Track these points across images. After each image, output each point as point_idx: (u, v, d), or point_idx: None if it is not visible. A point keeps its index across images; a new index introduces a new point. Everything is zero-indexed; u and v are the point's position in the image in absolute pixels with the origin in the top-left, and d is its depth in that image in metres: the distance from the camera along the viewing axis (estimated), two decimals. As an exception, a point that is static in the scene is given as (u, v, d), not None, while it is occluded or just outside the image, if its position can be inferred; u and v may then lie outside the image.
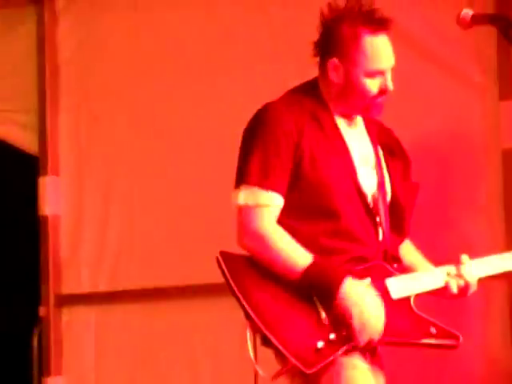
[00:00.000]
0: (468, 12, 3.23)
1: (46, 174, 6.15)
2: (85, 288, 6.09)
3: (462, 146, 5.30)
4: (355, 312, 3.23)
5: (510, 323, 5.13)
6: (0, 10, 6.39)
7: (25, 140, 6.32)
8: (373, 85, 3.36)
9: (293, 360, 3.11)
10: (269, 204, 3.33)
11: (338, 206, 3.36)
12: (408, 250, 3.69)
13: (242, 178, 3.33)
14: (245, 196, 3.35)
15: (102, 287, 6.04)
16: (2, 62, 6.44)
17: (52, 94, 6.22)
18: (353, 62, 3.36)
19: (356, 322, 3.22)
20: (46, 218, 6.09)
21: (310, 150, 3.35)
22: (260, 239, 3.30)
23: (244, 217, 3.35)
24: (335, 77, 3.36)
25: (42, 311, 5.97)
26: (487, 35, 4.60)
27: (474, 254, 3.50)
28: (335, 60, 3.33)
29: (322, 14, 3.41)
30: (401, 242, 3.62)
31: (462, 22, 3.23)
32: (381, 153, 3.60)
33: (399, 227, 3.57)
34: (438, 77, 5.37)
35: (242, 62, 5.56)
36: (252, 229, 3.32)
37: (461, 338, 3.38)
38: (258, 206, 3.34)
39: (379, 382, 3.43)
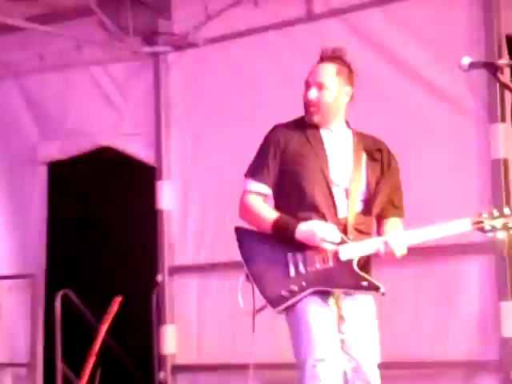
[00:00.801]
0: (467, 60, 3.50)
1: (161, 179, 6.94)
2: (189, 261, 6.88)
3: (459, 157, 5.63)
4: (311, 234, 3.90)
5: (497, 289, 5.33)
6: (129, 63, 7.11)
7: (146, 155, 7.08)
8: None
9: (265, 301, 3.92)
10: (256, 191, 4.11)
11: (309, 190, 3.99)
12: (391, 226, 4.13)
13: (246, 174, 4.18)
14: (245, 185, 4.15)
15: (202, 260, 6.76)
16: (129, 99, 7.08)
17: (165, 122, 6.98)
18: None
19: (317, 241, 3.89)
20: (161, 210, 6.95)
21: (292, 153, 4.09)
22: (248, 211, 4.11)
23: (242, 197, 4.18)
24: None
25: (159, 278, 6.84)
26: (479, 73, 4.22)
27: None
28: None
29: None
30: (371, 220, 4.15)
31: (462, 68, 3.51)
32: (364, 157, 4.15)
33: (368, 209, 4.11)
34: (441, 104, 5.71)
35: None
36: (244, 205, 4.14)
37: (382, 288, 3.89)
38: (249, 191, 4.13)
39: (351, 321, 3.97)
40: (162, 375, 6.72)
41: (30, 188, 7.52)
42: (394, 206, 4.25)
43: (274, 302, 3.94)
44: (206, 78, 6.82)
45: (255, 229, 4.13)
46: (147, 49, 6.95)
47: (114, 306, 6.24)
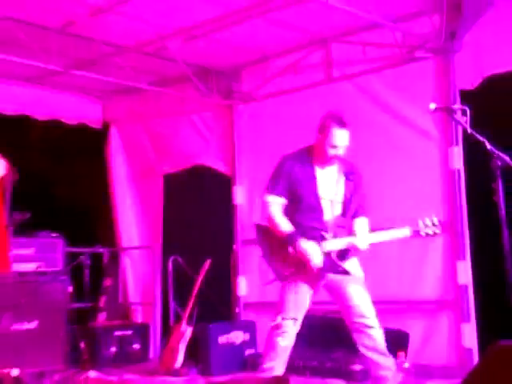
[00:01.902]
0: (433, 105, 3.57)
1: (235, 184, 6.86)
2: (253, 236, 6.00)
3: (428, 169, 5.40)
4: (304, 253, 3.88)
5: (455, 253, 5.19)
6: (213, 111, 6.97)
7: (225, 169, 6.95)
8: (332, 151, 3.96)
9: (274, 275, 4.03)
10: (274, 201, 4.02)
11: (305, 203, 4.01)
12: (359, 225, 4.10)
13: (266, 189, 4.07)
14: (265, 197, 4.06)
15: None
16: (214, 134, 7.02)
17: (237, 149, 6.85)
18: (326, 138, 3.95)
19: (306, 258, 3.88)
20: (236, 205, 6.86)
21: (295, 178, 4.02)
22: (270, 218, 4.02)
23: (264, 207, 4.06)
24: (318, 142, 4.02)
25: (235, 247, 6.82)
26: (442, 114, 4.68)
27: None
28: (319, 136, 4.00)
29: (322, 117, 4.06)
30: (347, 221, 4.09)
31: (430, 110, 3.56)
32: (343, 179, 4.09)
33: (344, 214, 4.07)
34: (417, 135, 5.48)
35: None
36: (267, 213, 4.03)
37: (352, 273, 3.98)
38: (269, 202, 4.03)
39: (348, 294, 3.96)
40: (237, 310, 6.73)
41: (152, 191, 7.56)
42: (361, 210, 4.16)
43: (281, 277, 4.00)
44: (263, 121, 6.70)
45: (272, 229, 4.04)
46: (225, 102, 6.87)
47: (206, 266, 6.18)
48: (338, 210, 4.09)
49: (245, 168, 6.84)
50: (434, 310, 5.27)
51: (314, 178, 4.05)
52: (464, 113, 3.72)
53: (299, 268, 3.98)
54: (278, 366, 4.04)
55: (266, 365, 4.06)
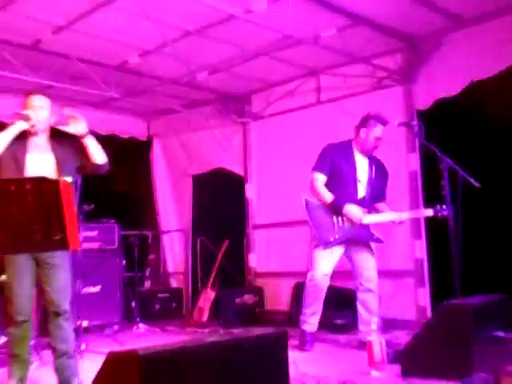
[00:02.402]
0: (396, 122, 3.99)
1: (247, 182, 6.71)
2: (261, 222, 6.56)
3: (393, 170, 4.75)
4: (351, 212, 3.83)
5: (412, 233, 5.04)
6: (231, 127, 6.80)
7: (239, 171, 6.81)
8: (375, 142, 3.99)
9: (319, 241, 3.90)
10: (319, 178, 3.99)
11: (343, 182, 3.95)
12: (384, 207, 4.12)
13: (313, 168, 4.02)
14: (313, 174, 4.01)
15: (267, 221, 6.43)
16: (232, 144, 6.88)
17: (248, 156, 6.74)
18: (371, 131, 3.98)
19: (352, 216, 3.84)
20: (248, 198, 6.72)
21: (338, 161, 3.97)
22: (316, 191, 3.98)
23: (312, 182, 4.00)
24: (363, 134, 3.99)
25: (247, 230, 6.67)
26: (403, 128, 4.51)
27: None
28: (364, 129, 4.02)
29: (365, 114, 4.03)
30: (368, 203, 4.01)
31: (395, 125, 3.92)
32: (373, 168, 4.08)
33: (368, 196, 4.03)
34: (387, 144, 4.78)
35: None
36: (314, 186, 3.99)
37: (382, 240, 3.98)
38: (316, 178, 4.00)
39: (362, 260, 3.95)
40: (250, 278, 6.66)
41: (184, 187, 7.48)
42: (382, 196, 4.17)
43: (325, 243, 3.88)
44: (268, 134, 6.59)
45: (319, 200, 3.97)
46: (239, 120, 6.83)
47: (225, 244, 6.26)
48: (363, 193, 4.04)
49: (254, 170, 6.76)
50: (398, 277, 5.19)
51: (354, 164, 4.01)
52: (420, 127, 4.01)
53: (344, 229, 3.90)
54: (318, 310, 4.03)
55: (308, 310, 4.04)
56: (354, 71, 5.56)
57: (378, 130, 4.00)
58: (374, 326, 3.95)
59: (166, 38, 4.76)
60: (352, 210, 3.86)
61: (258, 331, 2.16)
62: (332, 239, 3.89)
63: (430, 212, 3.83)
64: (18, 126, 2.88)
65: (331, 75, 5.82)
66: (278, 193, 6.29)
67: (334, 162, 3.98)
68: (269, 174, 6.50)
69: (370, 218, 3.91)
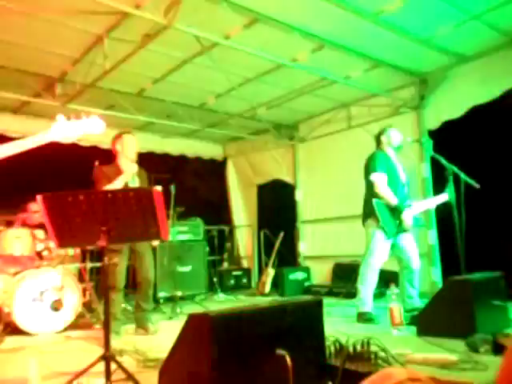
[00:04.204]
0: (409, 138, 3.73)
1: (296, 188, 6.52)
2: (308, 218, 6.38)
3: (410, 176, 4.64)
4: (406, 219, 3.41)
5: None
6: (284, 148, 6.63)
7: (290, 180, 6.59)
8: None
9: (387, 232, 3.39)
10: (384, 178, 3.52)
11: (394, 183, 3.54)
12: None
13: (378, 171, 3.50)
14: (379, 175, 3.54)
15: (312, 218, 6.27)
16: (285, 160, 6.70)
17: (298, 168, 6.56)
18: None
19: (407, 218, 3.40)
20: (297, 200, 6.54)
21: (388, 165, 3.57)
22: (385, 190, 3.49)
23: (376, 182, 3.50)
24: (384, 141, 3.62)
25: (297, 225, 6.43)
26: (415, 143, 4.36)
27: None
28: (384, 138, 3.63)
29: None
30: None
31: (408, 140, 3.65)
32: (405, 173, 3.71)
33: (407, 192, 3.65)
34: (400, 155, 4.74)
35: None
36: (379, 187, 3.50)
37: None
38: (382, 179, 3.52)
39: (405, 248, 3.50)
40: (300, 260, 6.51)
41: (251, 194, 7.38)
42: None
43: (389, 234, 3.44)
44: (312, 153, 6.43)
45: (384, 198, 3.49)
46: (290, 142, 6.67)
47: (281, 235, 6.09)
48: (408, 192, 3.71)
49: (301, 179, 6.60)
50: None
51: (396, 167, 3.65)
52: (429, 143, 3.91)
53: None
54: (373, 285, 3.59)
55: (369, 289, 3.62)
56: (376, 102, 5.43)
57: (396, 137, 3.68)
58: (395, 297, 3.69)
59: (233, 83, 4.79)
60: (408, 216, 3.47)
61: (300, 299, 2.11)
62: (394, 232, 3.52)
63: (446, 196, 3.48)
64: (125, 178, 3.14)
65: (359, 106, 5.67)
66: (319, 196, 6.19)
67: (387, 165, 3.59)
68: (312, 182, 6.40)
69: (411, 214, 3.49)
